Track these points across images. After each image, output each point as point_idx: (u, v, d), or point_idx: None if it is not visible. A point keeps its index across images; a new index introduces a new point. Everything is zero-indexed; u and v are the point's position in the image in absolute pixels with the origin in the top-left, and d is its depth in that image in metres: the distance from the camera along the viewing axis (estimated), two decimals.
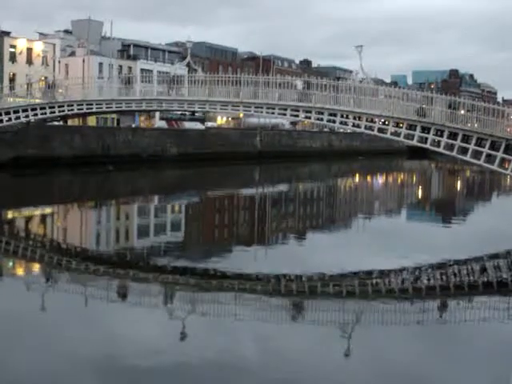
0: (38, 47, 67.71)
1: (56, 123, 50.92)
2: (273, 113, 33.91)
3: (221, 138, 67.33)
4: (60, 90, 42.26)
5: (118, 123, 68.54)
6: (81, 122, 60.03)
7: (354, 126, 31.06)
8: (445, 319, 13.75)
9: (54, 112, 40.57)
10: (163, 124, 72.55)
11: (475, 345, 12.09)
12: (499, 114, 26.22)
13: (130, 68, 74.25)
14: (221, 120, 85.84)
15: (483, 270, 18.93)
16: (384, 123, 29.43)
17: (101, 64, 71.58)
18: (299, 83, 30.81)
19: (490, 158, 26.40)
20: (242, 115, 73.70)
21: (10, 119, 41.12)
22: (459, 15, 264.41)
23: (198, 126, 74.73)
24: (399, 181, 59.66)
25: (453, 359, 10.98)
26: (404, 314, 13.78)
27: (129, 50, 78.62)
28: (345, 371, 10.51)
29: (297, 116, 33.02)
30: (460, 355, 11.36)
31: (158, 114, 72.60)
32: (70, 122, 56.42)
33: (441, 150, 27.61)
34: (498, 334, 12.70)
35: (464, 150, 26.86)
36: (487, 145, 26.04)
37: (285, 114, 33.47)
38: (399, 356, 11.30)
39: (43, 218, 28.42)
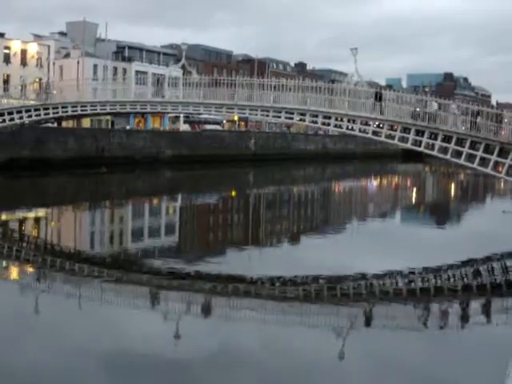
0: (33, 49, 67.51)
1: (50, 125, 50.85)
2: (267, 115, 33.92)
3: (216, 140, 67.19)
4: (54, 92, 42.14)
5: (112, 125, 68.39)
6: (75, 123, 59.94)
7: (348, 129, 31.02)
8: (440, 321, 13.77)
9: (49, 114, 40.41)
10: (187, 127, 72.88)
11: (469, 347, 12.12)
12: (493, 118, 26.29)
13: (124, 70, 74.20)
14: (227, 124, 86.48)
15: (477, 272, 19.00)
16: (378, 126, 29.46)
17: (95, 66, 71.50)
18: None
19: (483, 162, 26.43)
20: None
21: (3, 121, 40.95)
22: (454, 19, 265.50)
23: (218, 128, 77.36)
24: (393, 184, 59.72)
25: (446, 361, 10.98)
26: (399, 317, 13.79)
27: (124, 52, 78.54)
28: (340, 372, 10.50)
29: (291, 119, 33.04)
30: (453, 357, 11.36)
31: (182, 118, 73.06)
32: (64, 124, 56.31)
33: (435, 153, 27.65)
34: (492, 337, 12.73)
35: (458, 154, 26.89)
36: (481, 148, 26.09)
37: (279, 117, 33.46)
38: (394, 357, 11.31)
39: (39, 220, 28.32)
